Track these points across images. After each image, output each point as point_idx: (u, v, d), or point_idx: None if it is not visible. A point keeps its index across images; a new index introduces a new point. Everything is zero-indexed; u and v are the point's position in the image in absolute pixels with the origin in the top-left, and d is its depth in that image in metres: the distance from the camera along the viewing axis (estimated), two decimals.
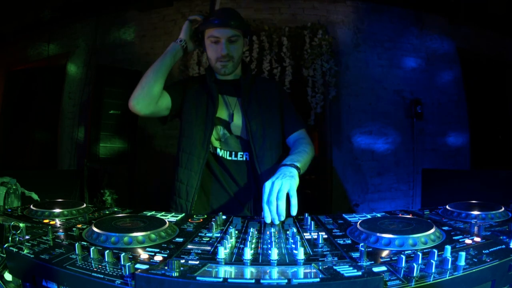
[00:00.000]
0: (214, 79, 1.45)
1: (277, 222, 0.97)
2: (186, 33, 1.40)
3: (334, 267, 0.55)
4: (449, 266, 0.56)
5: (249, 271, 0.59)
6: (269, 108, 1.47)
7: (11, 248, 0.65)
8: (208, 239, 0.80)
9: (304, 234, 0.84)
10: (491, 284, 0.58)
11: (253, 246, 0.73)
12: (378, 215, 1.02)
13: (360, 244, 0.64)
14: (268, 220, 0.97)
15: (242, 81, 1.46)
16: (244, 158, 1.45)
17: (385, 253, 0.67)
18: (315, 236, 0.79)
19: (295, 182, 1.03)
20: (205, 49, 1.44)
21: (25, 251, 0.64)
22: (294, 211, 0.98)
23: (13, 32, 3.78)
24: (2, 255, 0.71)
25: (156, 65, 1.33)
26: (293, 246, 0.71)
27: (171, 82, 1.47)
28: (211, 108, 1.42)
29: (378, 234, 0.72)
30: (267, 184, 1.02)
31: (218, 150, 1.45)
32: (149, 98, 1.30)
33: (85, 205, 1.06)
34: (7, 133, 4.00)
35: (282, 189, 0.99)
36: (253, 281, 0.50)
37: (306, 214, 0.99)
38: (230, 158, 1.45)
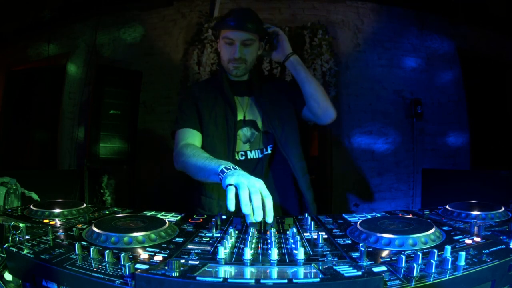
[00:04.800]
0: (227, 82, 1.41)
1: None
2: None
3: (334, 267, 0.55)
4: (449, 266, 0.56)
5: (249, 271, 0.59)
6: (282, 104, 1.45)
7: (11, 248, 0.65)
8: (208, 239, 0.80)
9: (304, 234, 0.84)
10: (491, 284, 0.58)
11: (253, 246, 0.73)
12: (378, 215, 1.02)
13: (360, 244, 0.64)
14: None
15: (254, 80, 1.44)
16: (269, 151, 1.43)
17: (385, 253, 0.67)
18: (315, 236, 0.79)
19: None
20: (219, 48, 1.42)
21: (25, 251, 0.64)
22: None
23: (13, 32, 3.77)
24: (2, 255, 0.70)
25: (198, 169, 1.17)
26: (293, 246, 0.71)
27: (181, 105, 1.42)
28: (230, 117, 1.35)
29: (378, 234, 0.72)
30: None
31: (248, 152, 1.41)
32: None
33: (85, 205, 1.06)
34: (7, 133, 3.99)
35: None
36: (253, 281, 0.50)
37: (306, 214, 0.99)
38: (261, 156, 1.42)
